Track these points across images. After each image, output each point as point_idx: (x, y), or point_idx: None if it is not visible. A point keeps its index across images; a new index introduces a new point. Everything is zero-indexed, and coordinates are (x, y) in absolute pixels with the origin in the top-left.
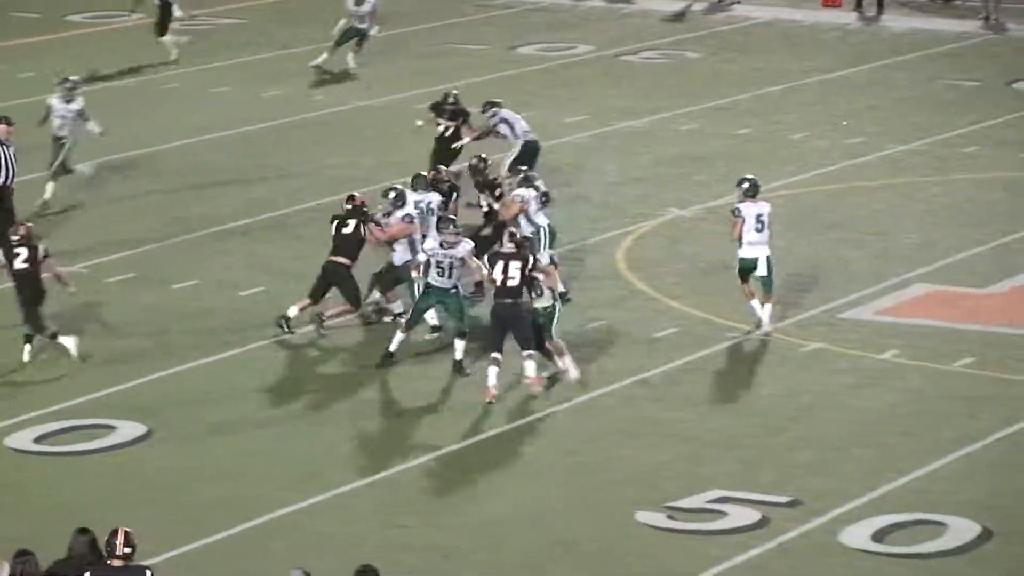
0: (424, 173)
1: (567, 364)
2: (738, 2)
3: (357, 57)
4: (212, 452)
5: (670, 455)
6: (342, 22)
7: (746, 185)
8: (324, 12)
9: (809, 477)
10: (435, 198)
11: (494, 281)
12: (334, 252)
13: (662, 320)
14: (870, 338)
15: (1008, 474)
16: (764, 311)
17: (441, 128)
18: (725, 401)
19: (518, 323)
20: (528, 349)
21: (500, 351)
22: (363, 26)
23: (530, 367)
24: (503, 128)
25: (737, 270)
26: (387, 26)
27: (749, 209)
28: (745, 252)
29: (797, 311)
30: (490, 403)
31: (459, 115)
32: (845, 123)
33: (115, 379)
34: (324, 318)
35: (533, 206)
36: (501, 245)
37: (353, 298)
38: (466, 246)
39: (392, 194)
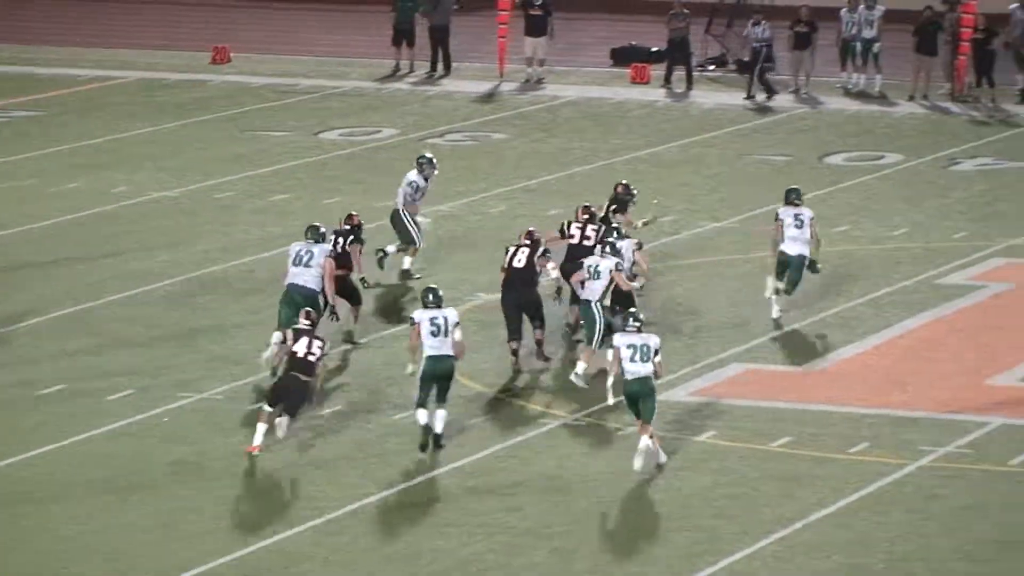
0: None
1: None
2: (541, 80)
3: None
4: None
5: (484, 546)
6: None
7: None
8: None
9: (625, 564)
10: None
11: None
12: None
13: (473, 407)
14: (687, 420)
15: (826, 554)
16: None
17: None
18: (539, 488)
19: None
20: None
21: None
22: None
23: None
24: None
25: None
26: (188, 115)
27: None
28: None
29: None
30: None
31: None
32: (655, 201)
33: None
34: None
35: None
36: None
37: None
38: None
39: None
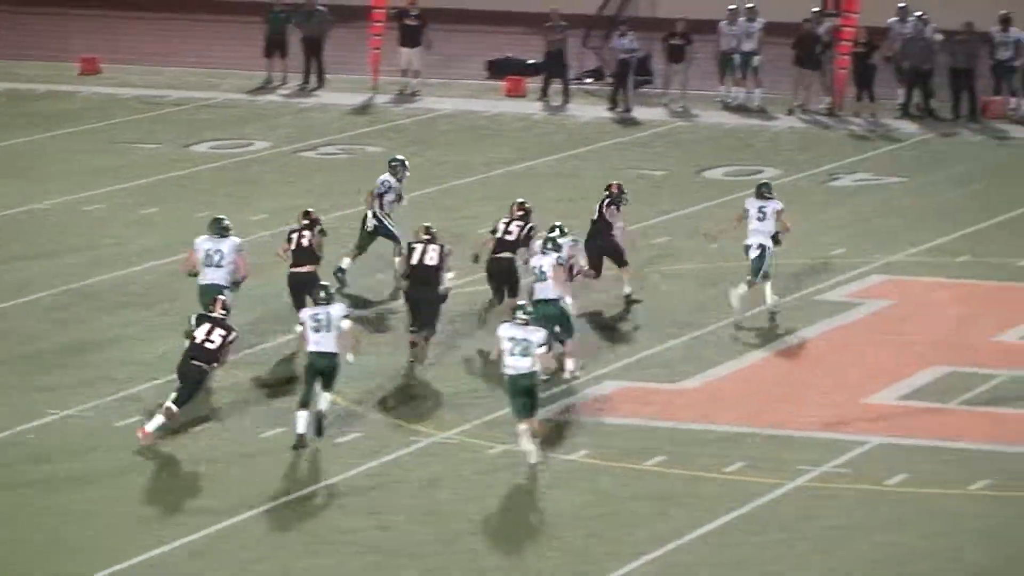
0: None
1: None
2: (416, 92)
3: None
4: None
5: (355, 566)
6: None
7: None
8: None
9: None
10: None
11: None
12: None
13: (344, 423)
14: (558, 438)
15: (700, 575)
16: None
17: None
18: (409, 507)
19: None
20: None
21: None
22: None
23: None
24: None
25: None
26: (57, 127)
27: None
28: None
29: (483, 412)
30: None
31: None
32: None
33: None
34: None
35: None
36: None
37: None
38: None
39: None
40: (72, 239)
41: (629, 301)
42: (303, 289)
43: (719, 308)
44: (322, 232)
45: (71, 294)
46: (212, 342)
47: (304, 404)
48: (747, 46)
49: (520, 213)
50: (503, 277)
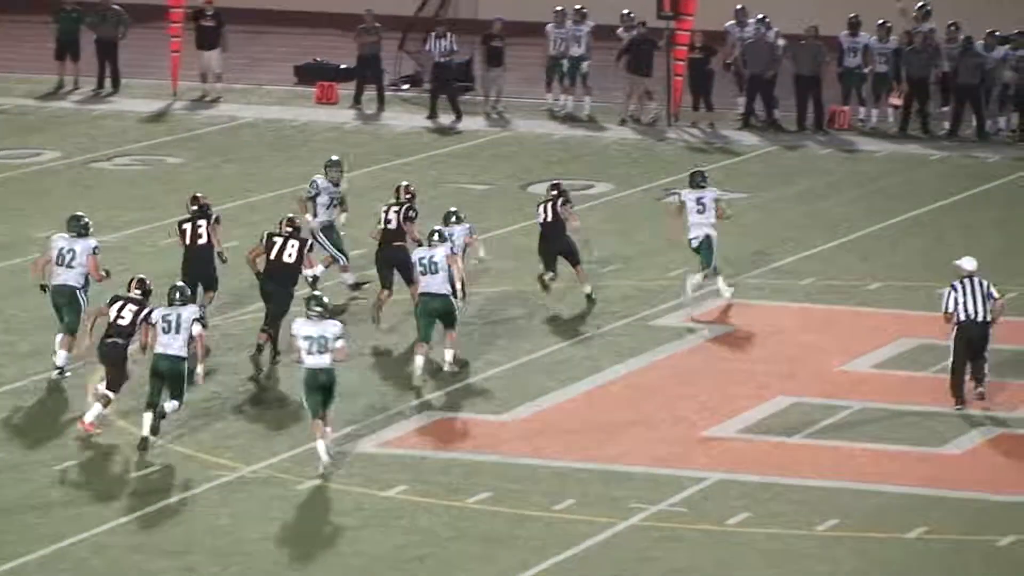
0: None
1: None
2: (217, 99)
3: None
4: None
5: None
6: None
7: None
8: None
9: None
10: None
11: None
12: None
13: (142, 457)
14: (373, 473)
15: None
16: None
17: None
18: (213, 548)
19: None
20: None
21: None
22: None
23: None
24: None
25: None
26: None
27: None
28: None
29: (291, 443)
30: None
31: None
32: (344, 233)
33: None
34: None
35: None
36: None
37: None
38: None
39: None
40: None
41: (590, 299)
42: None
43: (547, 332)
44: (217, 220)
45: None
46: (124, 318)
47: (151, 406)
48: (575, 51)
49: (407, 196)
50: (389, 266)
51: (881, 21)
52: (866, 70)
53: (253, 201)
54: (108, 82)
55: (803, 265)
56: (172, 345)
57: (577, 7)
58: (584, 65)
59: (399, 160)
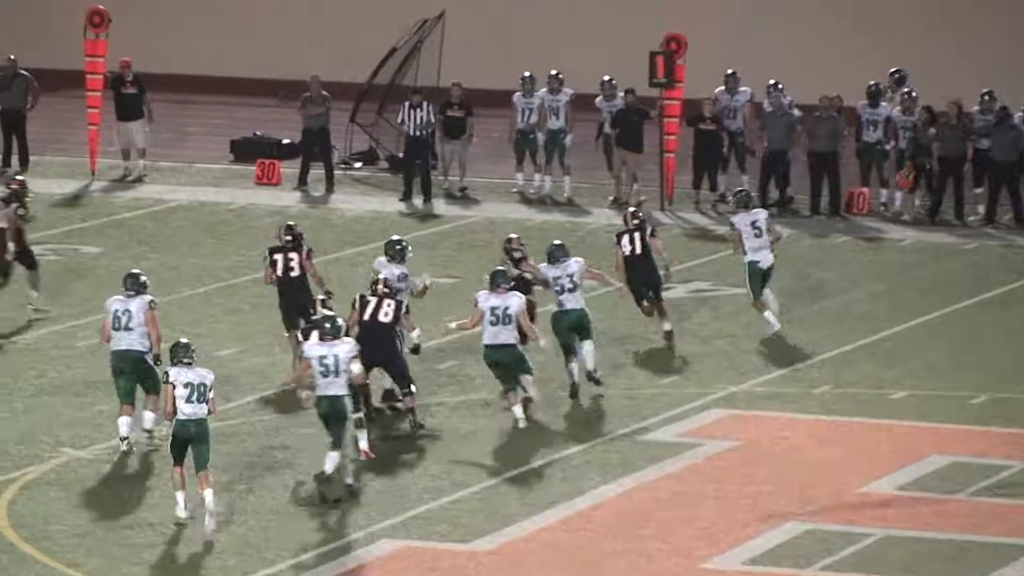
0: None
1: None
2: (142, 178)
3: None
4: None
5: None
6: None
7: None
8: None
9: None
10: None
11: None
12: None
13: None
14: None
15: None
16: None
17: None
18: None
19: None
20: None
21: None
22: None
23: None
24: None
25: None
26: None
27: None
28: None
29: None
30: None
31: None
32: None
33: None
34: None
35: None
36: None
37: None
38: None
39: None
40: None
41: (669, 337)
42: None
43: (523, 448)
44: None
45: None
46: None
47: (335, 445)
48: (553, 123)
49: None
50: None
51: (907, 90)
52: (888, 146)
53: (184, 296)
54: (15, 159)
55: (817, 371)
56: (334, 385)
57: (554, 72)
58: (566, 139)
59: (353, 249)
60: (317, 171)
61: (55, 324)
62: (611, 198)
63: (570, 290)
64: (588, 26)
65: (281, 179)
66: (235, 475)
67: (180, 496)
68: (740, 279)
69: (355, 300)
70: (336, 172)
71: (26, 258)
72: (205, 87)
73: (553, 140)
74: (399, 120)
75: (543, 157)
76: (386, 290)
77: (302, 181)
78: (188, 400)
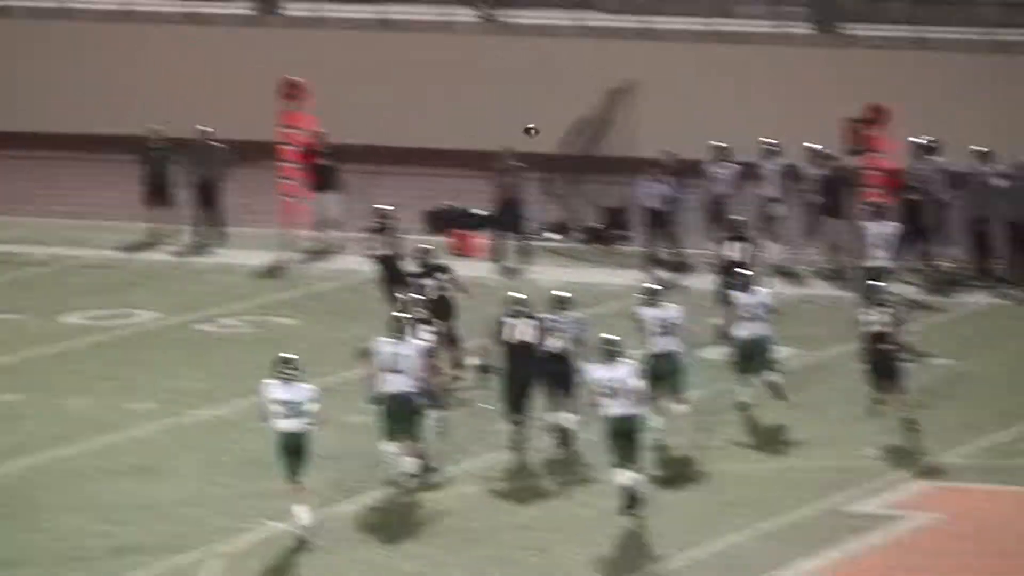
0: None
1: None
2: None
3: None
4: None
5: None
6: None
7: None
8: None
9: None
10: None
11: None
12: None
13: None
14: None
15: None
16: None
17: None
18: None
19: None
20: None
21: None
22: None
23: None
24: None
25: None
26: None
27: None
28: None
29: None
30: None
31: None
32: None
33: None
34: None
35: None
36: None
37: None
38: None
39: None
40: None
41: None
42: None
43: (724, 520)
44: None
45: None
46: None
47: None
48: (768, 191)
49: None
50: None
51: None
52: None
53: None
54: (210, 230)
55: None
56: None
57: (767, 139)
58: (779, 209)
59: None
60: (512, 242)
61: (253, 396)
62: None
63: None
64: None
65: (477, 250)
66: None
67: (297, 508)
68: (946, 350)
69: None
70: (530, 243)
71: None
72: (397, 157)
73: (765, 207)
74: (640, 190)
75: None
76: (524, 309)
77: (497, 252)
78: (286, 416)
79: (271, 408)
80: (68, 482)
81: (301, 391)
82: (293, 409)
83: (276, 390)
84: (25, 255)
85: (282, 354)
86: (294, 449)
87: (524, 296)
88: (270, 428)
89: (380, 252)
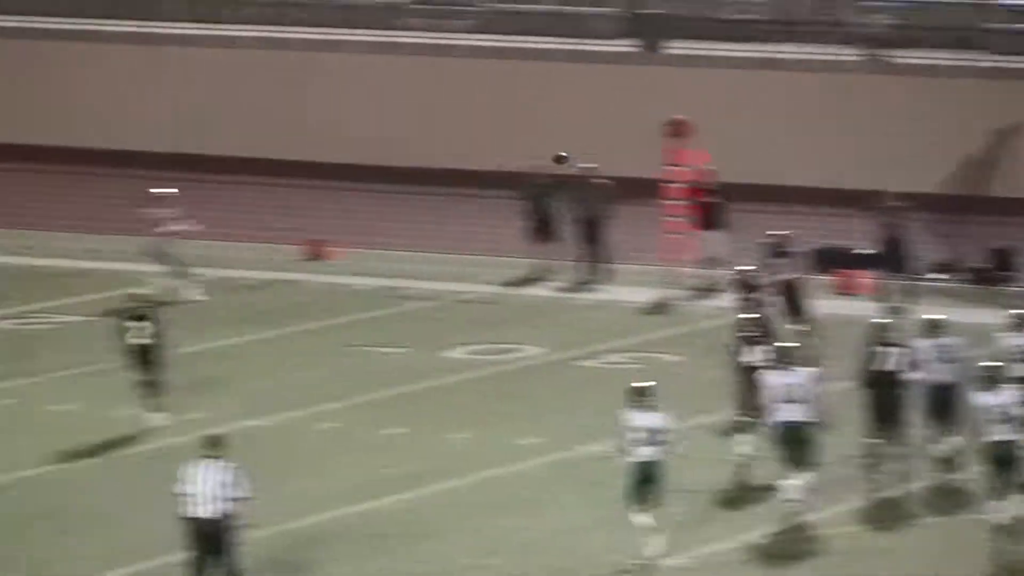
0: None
1: None
2: (725, 288)
3: None
4: None
5: None
6: None
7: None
8: None
9: None
10: None
11: None
12: None
13: None
14: None
15: None
16: None
17: None
18: None
19: None
20: None
21: None
22: None
23: None
24: None
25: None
26: (278, 324)
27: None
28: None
29: None
30: None
31: None
32: None
33: None
34: None
35: None
36: None
37: None
38: None
39: None
40: (300, 464)
41: None
42: None
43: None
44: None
45: (292, 534)
46: None
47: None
48: None
49: None
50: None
51: None
52: None
53: None
54: (593, 267)
55: None
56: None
57: None
58: None
59: None
60: (897, 281)
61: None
62: None
63: None
64: None
65: (862, 288)
66: None
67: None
68: None
69: None
70: (916, 283)
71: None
72: (773, 194)
73: None
74: None
75: None
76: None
77: (883, 291)
78: (644, 443)
79: (629, 436)
80: (450, 513)
81: (658, 419)
82: (651, 436)
83: (634, 418)
84: (406, 290)
85: (637, 383)
86: (649, 476)
87: (889, 322)
88: (626, 458)
89: (783, 277)
